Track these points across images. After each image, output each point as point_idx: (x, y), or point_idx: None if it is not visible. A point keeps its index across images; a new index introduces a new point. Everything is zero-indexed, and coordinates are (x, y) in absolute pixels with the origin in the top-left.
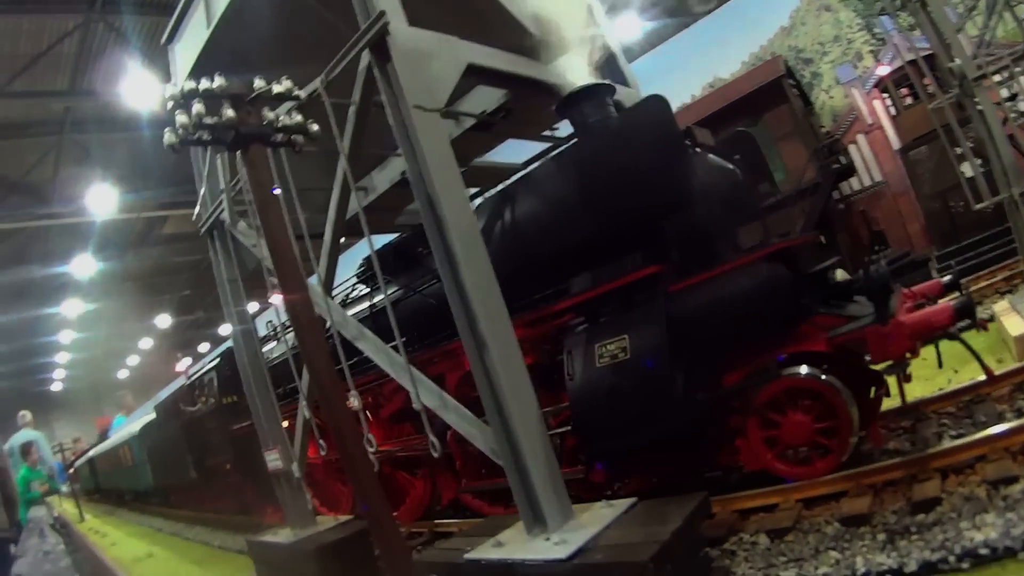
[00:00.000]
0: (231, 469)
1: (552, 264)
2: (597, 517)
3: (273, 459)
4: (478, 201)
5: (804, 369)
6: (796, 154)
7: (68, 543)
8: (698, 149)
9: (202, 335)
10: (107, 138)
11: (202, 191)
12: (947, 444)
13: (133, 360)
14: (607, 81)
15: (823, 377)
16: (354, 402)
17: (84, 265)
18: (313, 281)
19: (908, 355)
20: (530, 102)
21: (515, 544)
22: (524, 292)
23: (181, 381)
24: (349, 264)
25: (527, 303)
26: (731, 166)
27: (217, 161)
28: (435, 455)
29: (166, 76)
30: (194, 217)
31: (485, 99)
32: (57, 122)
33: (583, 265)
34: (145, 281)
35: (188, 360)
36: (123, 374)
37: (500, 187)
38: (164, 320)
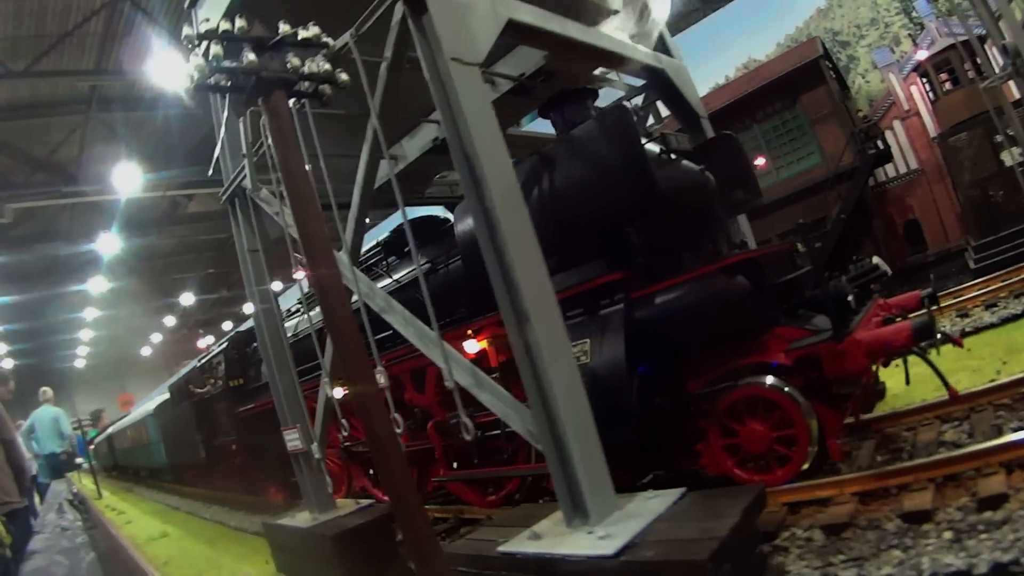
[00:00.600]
0: (236, 450)
1: None
2: (644, 508)
3: (292, 439)
4: None
5: (770, 379)
6: (832, 137)
7: (86, 519)
8: (672, 155)
9: (225, 313)
10: (133, 117)
11: (216, 152)
12: (1008, 437)
13: (156, 338)
14: (594, 85)
15: (786, 389)
16: (380, 379)
17: (109, 243)
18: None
19: (873, 367)
20: (572, 66)
21: (553, 537)
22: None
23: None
24: None
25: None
26: (703, 173)
27: (239, 125)
28: (467, 439)
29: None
30: (210, 172)
31: (523, 62)
32: (83, 101)
33: (552, 268)
34: (169, 259)
35: (210, 338)
36: (146, 351)
37: None
38: (188, 298)
